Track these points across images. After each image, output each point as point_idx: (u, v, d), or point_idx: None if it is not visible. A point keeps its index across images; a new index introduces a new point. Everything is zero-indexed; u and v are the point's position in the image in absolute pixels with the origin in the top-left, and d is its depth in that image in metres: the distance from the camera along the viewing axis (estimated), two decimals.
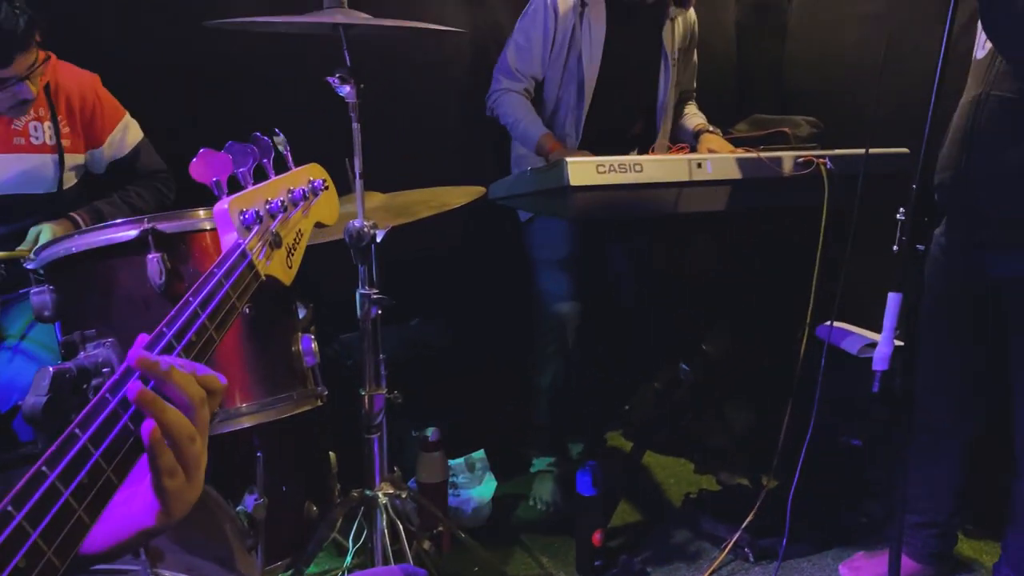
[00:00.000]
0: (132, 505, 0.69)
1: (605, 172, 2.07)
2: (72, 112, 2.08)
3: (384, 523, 1.85)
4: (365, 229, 1.75)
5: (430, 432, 2.45)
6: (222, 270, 0.82)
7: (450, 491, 2.59)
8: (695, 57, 2.81)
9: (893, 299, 1.80)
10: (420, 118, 2.83)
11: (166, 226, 1.41)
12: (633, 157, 2.13)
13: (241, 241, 0.86)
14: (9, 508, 0.57)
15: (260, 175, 0.92)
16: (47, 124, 2.02)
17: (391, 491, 1.88)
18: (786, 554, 2.34)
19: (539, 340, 2.72)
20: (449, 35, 2.82)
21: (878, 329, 2.59)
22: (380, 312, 1.83)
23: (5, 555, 0.55)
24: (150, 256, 1.39)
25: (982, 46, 1.94)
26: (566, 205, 2.12)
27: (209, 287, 0.79)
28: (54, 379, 1.26)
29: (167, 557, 1.30)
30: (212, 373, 0.72)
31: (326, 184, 1.02)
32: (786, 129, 2.76)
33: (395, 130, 2.64)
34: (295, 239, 0.95)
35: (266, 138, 0.94)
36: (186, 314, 0.76)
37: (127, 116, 2.22)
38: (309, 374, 1.61)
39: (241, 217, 0.86)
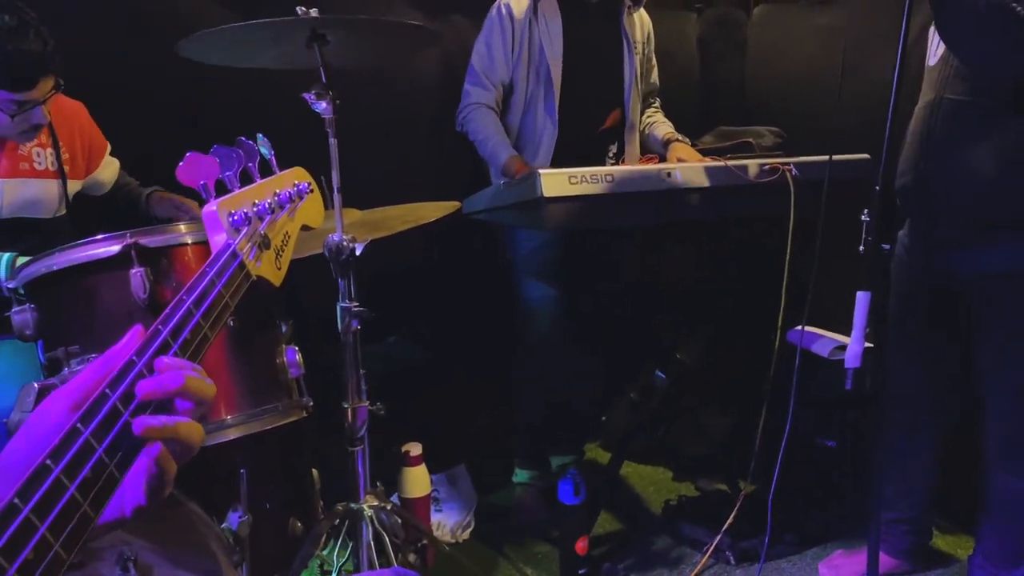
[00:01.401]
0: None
1: (577, 183, 2.11)
2: (72, 140, 2.12)
3: (370, 536, 1.86)
4: (344, 243, 1.77)
5: (412, 447, 2.46)
6: (214, 269, 0.83)
7: (432, 506, 2.60)
8: (654, 60, 2.87)
9: (862, 298, 1.85)
10: (394, 136, 2.85)
11: (148, 240, 1.42)
12: (604, 168, 2.17)
13: (231, 241, 0.87)
14: (16, 501, 0.56)
15: (245, 179, 0.94)
16: (49, 151, 2.05)
17: (376, 503, 1.88)
18: (767, 555, 2.38)
19: (522, 346, 2.74)
20: (420, 55, 2.86)
21: (846, 332, 2.66)
22: (360, 324, 1.84)
23: (15, 548, 0.55)
24: (133, 271, 1.39)
25: (934, 53, 2.01)
26: (540, 217, 2.16)
27: (202, 286, 0.80)
28: (39, 395, 1.26)
29: (156, 572, 1.30)
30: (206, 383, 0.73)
31: (311, 187, 1.04)
32: (750, 139, 2.82)
33: (370, 148, 2.67)
34: (283, 241, 0.96)
35: (250, 142, 0.96)
36: (180, 312, 0.77)
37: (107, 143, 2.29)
38: (294, 385, 1.61)
39: (230, 219, 0.88)
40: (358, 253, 1.79)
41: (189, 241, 1.49)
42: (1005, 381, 2.03)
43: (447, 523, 2.63)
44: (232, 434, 1.47)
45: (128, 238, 1.40)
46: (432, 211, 2.08)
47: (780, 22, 3.14)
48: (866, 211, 1.87)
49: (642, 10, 2.76)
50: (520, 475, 2.83)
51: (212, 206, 0.87)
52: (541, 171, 2.08)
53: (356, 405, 1.86)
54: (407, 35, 1.88)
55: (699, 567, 2.41)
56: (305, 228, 1.04)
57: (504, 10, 2.59)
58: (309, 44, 1.75)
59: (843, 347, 2.71)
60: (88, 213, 2.23)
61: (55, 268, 1.45)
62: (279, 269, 0.95)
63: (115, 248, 1.41)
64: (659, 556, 2.50)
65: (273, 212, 0.95)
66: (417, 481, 2.47)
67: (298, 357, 1.60)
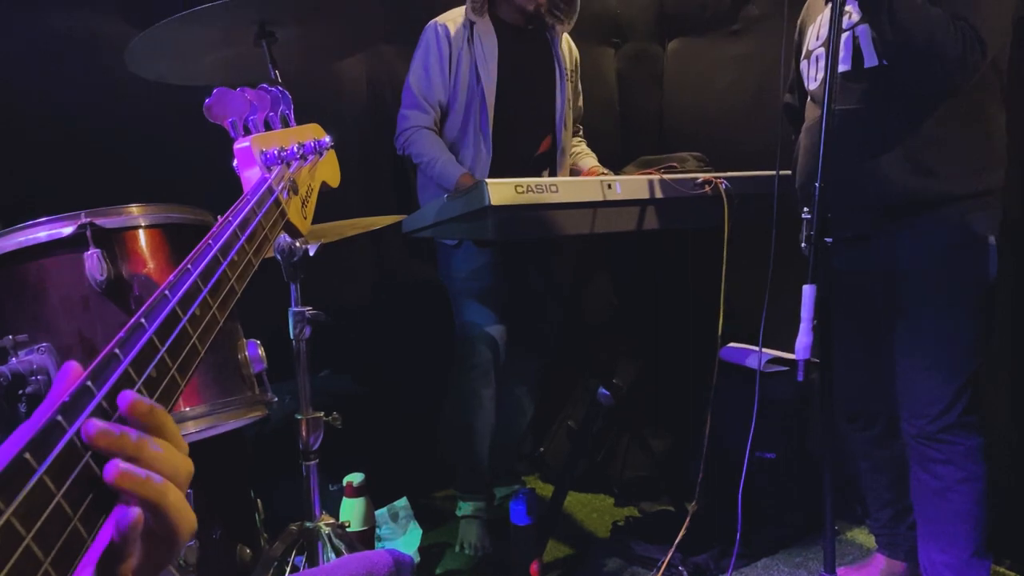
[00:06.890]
0: None
1: (523, 192, 2.11)
2: None
3: (329, 557, 1.74)
4: (297, 244, 1.71)
5: (354, 477, 2.34)
6: (254, 199, 0.78)
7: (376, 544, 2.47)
8: (580, 87, 2.92)
9: (808, 290, 1.89)
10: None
11: (104, 221, 1.32)
12: (549, 179, 2.19)
13: (267, 176, 0.83)
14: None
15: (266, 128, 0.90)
16: None
17: (332, 522, 1.78)
18: (718, 568, 2.37)
19: (462, 375, 2.67)
20: (347, 83, 2.83)
21: (773, 347, 2.73)
22: (312, 331, 1.77)
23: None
24: (88, 253, 1.29)
25: (814, 79, 2.15)
26: (487, 226, 2.14)
27: (244, 213, 0.75)
28: None
29: None
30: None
31: (330, 143, 1.00)
32: (675, 164, 2.90)
33: None
34: (307, 192, 0.92)
35: (275, 89, 0.92)
36: (226, 234, 0.72)
37: None
38: (255, 381, 1.51)
39: (262, 156, 0.84)
40: (311, 254, 1.73)
41: (143, 224, 1.38)
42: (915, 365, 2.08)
43: None
44: (191, 427, 1.35)
45: (83, 218, 1.30)
46: (378, 221, 2.04)
47: (694, 54, 3.28)
48: (805, 209, 1.95)
49: (569, 39, 2.82)
50: (464, 507, 2.74)
51: (245, 141, 0.84)
52: (488, 180, 2.08)
53: (310, 416, 1.77)
54: (360, 23, 1.86)
55: None
56: (325, 186, 1.00)
57: (441, 31, 2.58)
58: (257, 42, 1.71)
59: (776, 360, 2.79)
60: None
61: None
62: (305, 219, 0.91)
63: (68, 229, 1.29)
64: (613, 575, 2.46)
65: (300, 159, 0.91)
66: (360, 513, 2.35)
67: (260, 352, 1.51)
